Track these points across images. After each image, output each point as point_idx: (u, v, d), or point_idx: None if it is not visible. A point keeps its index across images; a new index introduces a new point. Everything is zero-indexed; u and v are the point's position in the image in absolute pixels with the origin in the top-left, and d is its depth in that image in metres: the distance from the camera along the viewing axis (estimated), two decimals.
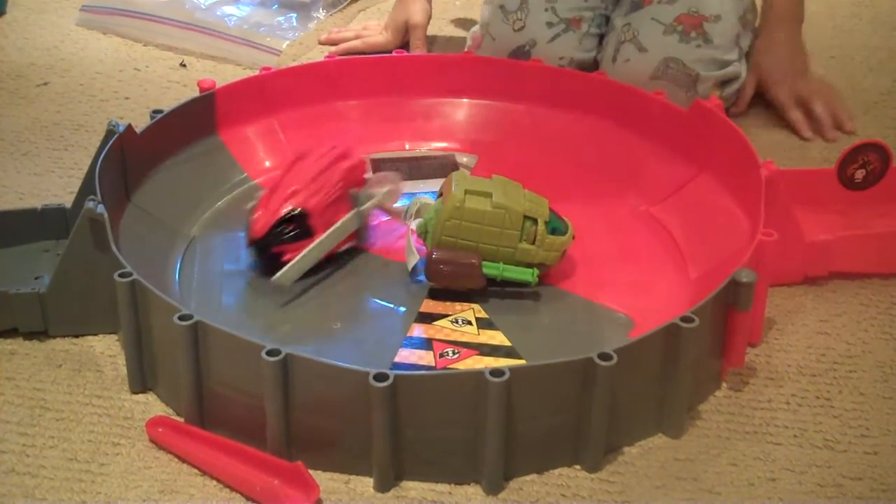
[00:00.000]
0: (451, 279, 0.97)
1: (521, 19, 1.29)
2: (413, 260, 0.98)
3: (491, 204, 0.96)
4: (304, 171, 1.01)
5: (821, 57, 1.48)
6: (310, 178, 1.00)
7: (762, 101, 1.33)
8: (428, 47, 1.47)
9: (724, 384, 0.91)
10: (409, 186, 1.14)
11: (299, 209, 0.97)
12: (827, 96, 1.30)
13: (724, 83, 1.26)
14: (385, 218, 1.05)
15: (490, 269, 0.96)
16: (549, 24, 1.29)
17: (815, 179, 1.05)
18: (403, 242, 1.05)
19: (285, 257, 0.97)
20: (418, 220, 1.00)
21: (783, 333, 0.97)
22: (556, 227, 0.98)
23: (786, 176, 0.99)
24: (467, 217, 0.96)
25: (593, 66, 1.31)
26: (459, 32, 1.54)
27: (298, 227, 0.98)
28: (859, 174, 1.04)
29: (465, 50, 1.37)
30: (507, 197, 0.97)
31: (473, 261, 0.95)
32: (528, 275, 0.96)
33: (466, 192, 0.96)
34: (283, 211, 0.97)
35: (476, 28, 1.36)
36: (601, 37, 1.33)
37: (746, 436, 0.86)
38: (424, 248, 0.99)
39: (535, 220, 0.96)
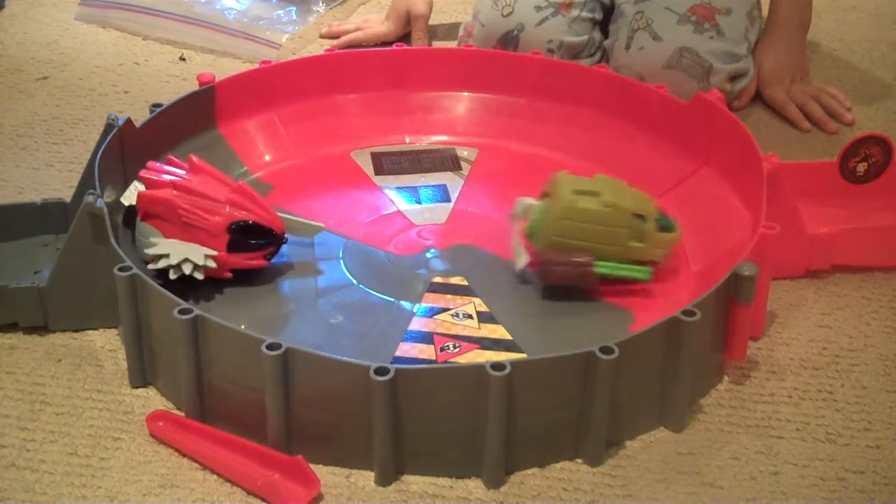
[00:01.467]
0: (564, 279, 0.96)
1: (509, 4, 1.30)
2: (523, 260, 0.97)
3: (601, 203, 0.95)
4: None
5: (822, 50, 1.48)
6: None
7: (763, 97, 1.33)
8: (429, 38, 1.47)
9: (726, 378, 0.91)
10: (409, 180, 1.14)
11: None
12: (822, 98, 1.30)
13: (733, 78, 1.26)
14: None
15: (603, 268, 0.95)
16: (538, 8, 1.29)
17: (816, 172, 1.05)
18: (403, 237, 1.05)
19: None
20: (525, 222, 0.98)
21: (785, 327, 0.97)
22: (664, 224, 0.97)
23: (788, 169, 0.98)
24: (578, 217, 0.95)
25: (584, 49, 1.31)
26: (462, 22, 1.54)
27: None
28: (861, 167, 1.04)
29: (459, 39, 1.37)
30: (615, 195, 0.96)
31: (586, 260, 0.95)
32: (642, 273, 0.96)
33: (576, 191, 0.96)
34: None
35: (469, 18, 1.36)
36: (595, 22, 1.33)
37: (748, 429, 0.86)
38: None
39: (643, 218, 0.96)
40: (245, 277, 0.98)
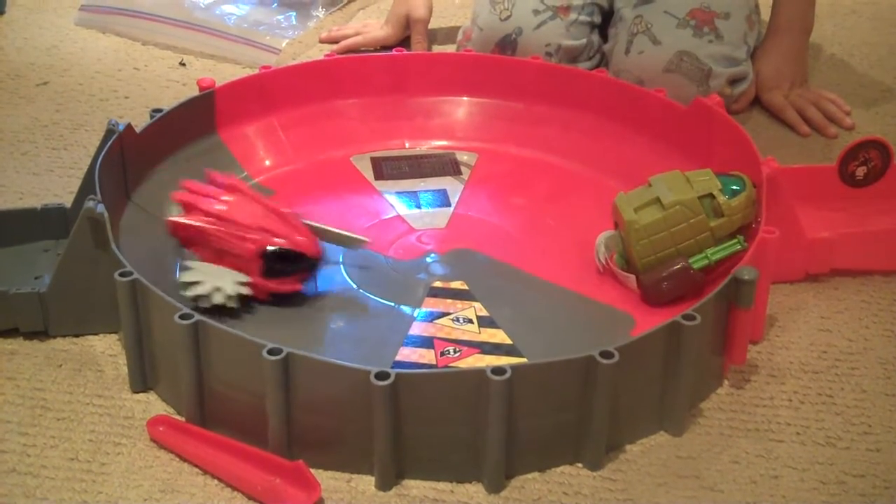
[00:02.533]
0: (674, 291, 0.95)
1: (507, 9, 1.30)
2: (632, 283, 0.97)
3: (663, 208, 0.95)
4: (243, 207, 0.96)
5: (821, 54, 1.48)
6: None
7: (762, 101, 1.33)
8: (429, 42, 1.47)
9: (726, 381, 0.91)
10: (409, 185, 1.14)
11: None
12: (821, 103, 1.30)
13: (733, 82, 1.27)
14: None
15: (699, 261, 0.95)
16: (536, 12, 1.30)
17: (816, 176, 1.05)
18: (403, 242, 1.05)
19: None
20: (614, 255, 0.99)
21: (785, 331, 0.97)
22: (732, 187, 0.96)
23: (787, 173, 0.99)
24: (651, 231, 0.95)
25: (582, 53, 1.31)
26: (462, 26, 1.54)
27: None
28: (860, 171, 1.04)
29: (458, 44, 1.37)
30: (673, 191, 0.96)
31: (681, 265, 0.94)
32: (736, 244, 0.95)
33: (635, 209, 0.96)
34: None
35: (468, 23, 1.36)
36: (594, 25, 1.33)
37: (748, 433, 0.86)
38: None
39: (712, 196, 0.95)
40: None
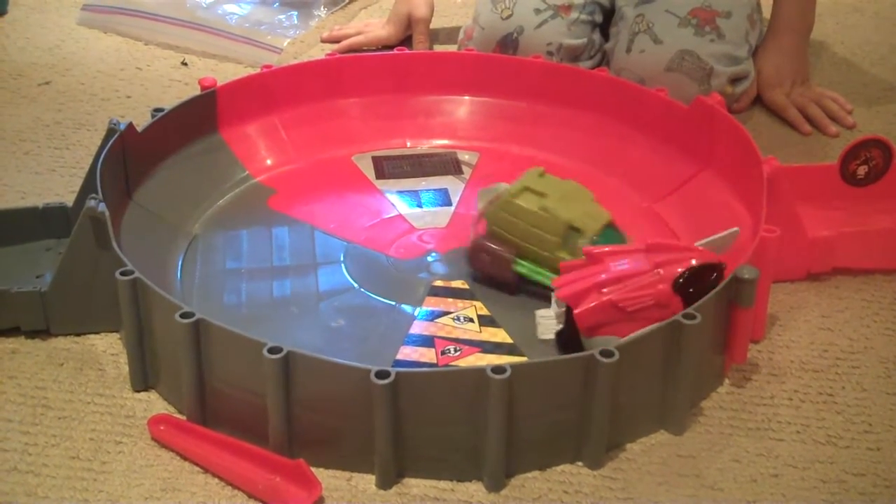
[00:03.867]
0: (486, 267, 0.97)
1: (509, 7, 1.30)
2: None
3: (539, 205, 0.95)
4: (629, 263, 0.87)
5: (823, 53, 1.48)
6: (623, 275, 0.87)
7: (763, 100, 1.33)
8: (430, 42, 1.47)
9: (727, 380, 0.91)
10: (410, 184, 1.14)
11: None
12: (823, 101, 1.30)
13: (734, 80, 1.27)
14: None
15: (522, 267, 0.95)
16: (537, 11, 1.30)
17: (817, 176, 1.05)
18: (404, 241, 1.05)
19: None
20: (485, 204, 0.99)
21: (786, 329, 0.97)
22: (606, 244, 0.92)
23: (788, 172, 0.99)
24: (514, 213, 0.95)
25: (584, 52, 1.31)
26: (463, 26, 1.54)
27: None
28: (862, 170, 1.04)
29: (459, 43, 1.37)
30: (561, 202, 0.95)
31: (509, 256, 0.95)
32: (548, 281, 0.93)
33: (525, 188, 0.96)
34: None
35: (469, 21, 1.36)
36: (595, 24, 1.33)
37: (749, 432, 0.86)
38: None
39: (579, 233, 0.93)
40: (246, 279, 0.98)
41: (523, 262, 0.95)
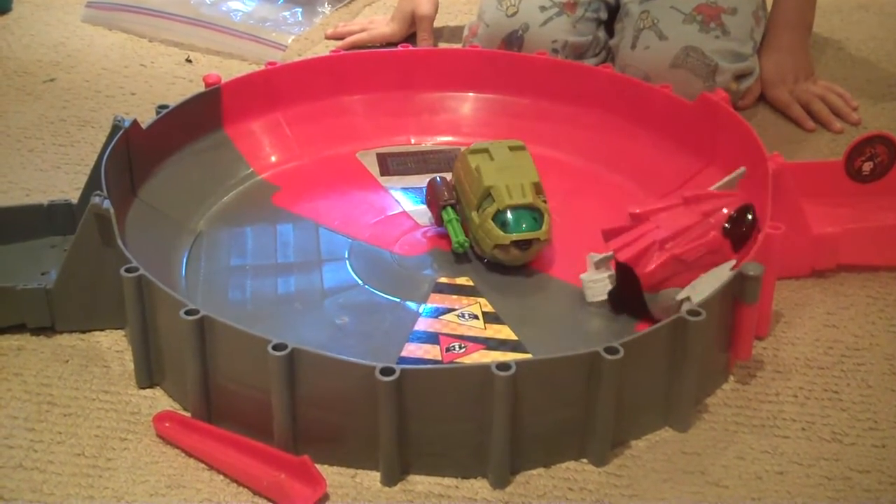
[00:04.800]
0: (427, 203, 1.05)
1: (514, 5, 1.30)
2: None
3: (475, 163, 0.99)
4: (678, 217, 0.92)
5: (828, 49, 1.48)
6: (679, 229, 0.91)
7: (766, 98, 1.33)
8: (434, 39, 1.47)
9: (732, 377, 0.91)
10: (415, 181, 1.14)
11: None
12: (828, 97, 1.30)
13: (739, 77, 1.26)
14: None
15: (446, 214, 1.02)
16: (542, 8, 1.30)
17: (822, 172, 1.04)
18: (409, 238, 1.05)
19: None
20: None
21: (790, 326, 0.96)
22: (506, 222, 0.96)
23: (793, 169, 0.98)
24: (462, 164, 1.02)
25: (589, 49, 1.31)
26: (467, 23, 1.54)
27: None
28: (867, 166, 1.04)
29: (463, 39, 1.37)
30: (497, 169, 0.99)
31: (445, 199, 1.02)
32: (457, 239, 1.00)
33: (480, 146, 1.01)
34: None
35: (474, 18, 1.36)
36: (600, 21, 1.33)
37: (754, 429, 0.86)
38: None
39: (491, 200, 0.97)
40: (251, 276, 0.98)
41: (449, 210, 1.01)
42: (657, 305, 0.91)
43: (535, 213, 0.97)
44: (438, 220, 1.04)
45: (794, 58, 1.32)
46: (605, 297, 0.95)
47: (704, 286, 0.87)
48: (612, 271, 0.96)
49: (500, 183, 0.97)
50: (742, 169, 0.97)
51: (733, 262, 0.90)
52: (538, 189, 0.99)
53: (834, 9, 1.58)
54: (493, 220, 0.97)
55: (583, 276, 0.97)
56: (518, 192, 0.97)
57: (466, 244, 1.00)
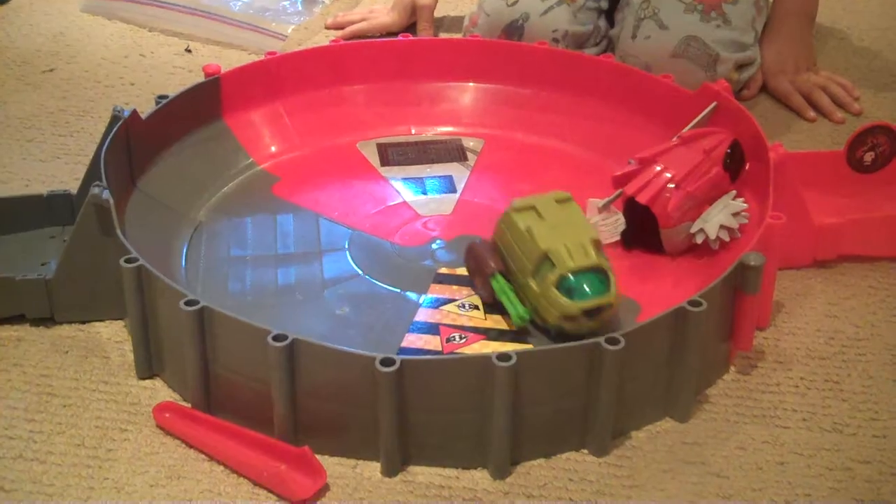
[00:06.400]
0: (469, 270, 0.95)
1: None
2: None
3: (526, 223, 0.89)
4: (684, 157, 0.99)
5: (830, 39, 1.47)
6: (689, 168, 0.98)
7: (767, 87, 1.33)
8: (435, 29, 1.46)
9: (732, 368, 0.91)
10: (415, 171, 1.14)
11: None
12: (829, 87, 1.29)
13: (740, 67, 1.26)
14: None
15: (497, 283, 0.90)
16: None
17: (823, 162, 1.04)
18: (409, 228, 1.05)
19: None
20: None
21: (791, 317, 0.96)
22: (572, 288, 0.86)
23: (794, 159, 0.98)
24: (508, 225, 0.91)
25: (589, 38, 1.31)
26: (467, 13, 1.53)
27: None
28: (868, 157, 1.04)
29: (464, 29, 1.36)
30: (552, 230, 0.89)
31: (491, 268, 0.91)
32: (517, 315, 0.88)
33: (526, 204, 0.91)
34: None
35: (475, 8, 1.36)
36: (601, 11, 1.32)
37: (755, 419, 0.86)
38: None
39: (552, 266, 0.87)
40: (251, 266, 0.97)
41: (499, 278, 0.90)
42: (672, 240, 0.98)
43: (600, 275, 0.88)
44: (488, 292, 0.92)
45: (795, 47, 1.32)
46: (617, 237, 0.99)
47: (714, 218, 0.96)
48: (618, 213, 1.00)
49: (557, 245, 0.87)
50: (714, 104, 1.04)
51: (734, 192, 0.98)
52: (598, 245, 0.89)
53: None
54: (557, 287, 0.86)
55: (592, 219, 0.99)
56: (580, 252, 0.87)
57: (528, 316, 0.89)
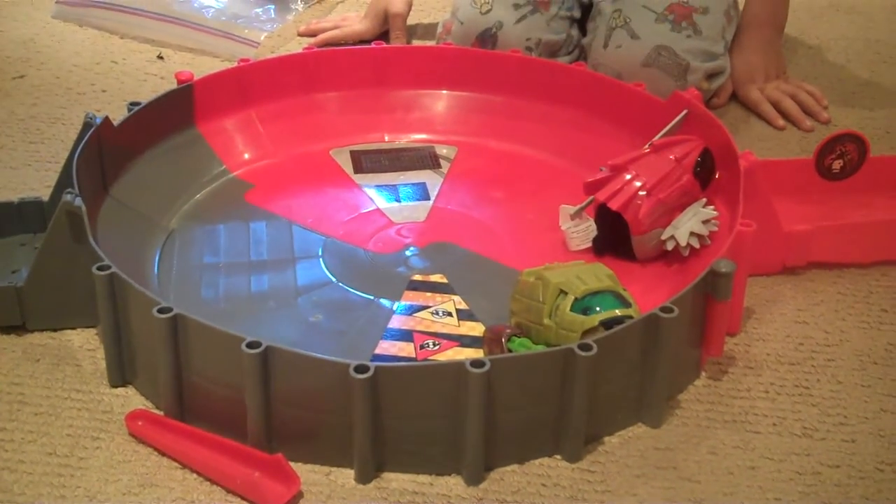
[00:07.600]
0: (489, 343, 0.88)
1: (488, 2, 1.30)
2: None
3: (534, 276, 0.88)
4: (655, 165, 1.00)
5: (799, 48, 1.49)
6: (660, 176, 0.99)
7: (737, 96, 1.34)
8: (408, 37, 1.47)
9: (704, 373, 0.91)
10: (388, 178, 1.14)
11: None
12: (799, 95, 1.31)
13: (710, 76, 1.27)
14: None
15: (512, 343, 0.86)
16: (516, 6, 1.30)
17: (793, 170, 1.05)
18: (383, 235, 1.05)
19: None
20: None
21: (762, 323, 0.97)
22: (588, 307, 0.84)
23: (764, 166, 0.99)
24: (519, 291, 0.89)
25: (562, 47, 1.32)
26: (440, 20, 1.54)
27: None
28: (837, 164, 1.05)
29: (437, 37, 1.37)
30: (562, 270, 0.88)
31: (508, 332, 0.87)
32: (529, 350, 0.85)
33: (537, 270, 0.89)
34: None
35: (448, 16, 1.36)
36: (573, 20, 1.33)
37: (726, 424, 0.86)
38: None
39: (565, 295, 0.85)
40: (223, 274, 0.97)
41: (516, 338, 0.87)
42: (643, 247, 0.99)
43: (613, 294, 0.86)
44: (493, 349, 0.88)
45: (764, 56, 1.33)
46: (589, 244, 1.01)
47: (685, 225, 0.97)
48: (590, 220, 1.02)
49: (569, 277, 0.86)
50: (685, 112, 1.06)
51: (704, 200, 1.00)
52: (614, 280, 0.88)
53: (803, 7, 1.59)
54: (572, 310, 0.84)
55: (564, 226, 1.02)
56: (592, 278, 0.86)
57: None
